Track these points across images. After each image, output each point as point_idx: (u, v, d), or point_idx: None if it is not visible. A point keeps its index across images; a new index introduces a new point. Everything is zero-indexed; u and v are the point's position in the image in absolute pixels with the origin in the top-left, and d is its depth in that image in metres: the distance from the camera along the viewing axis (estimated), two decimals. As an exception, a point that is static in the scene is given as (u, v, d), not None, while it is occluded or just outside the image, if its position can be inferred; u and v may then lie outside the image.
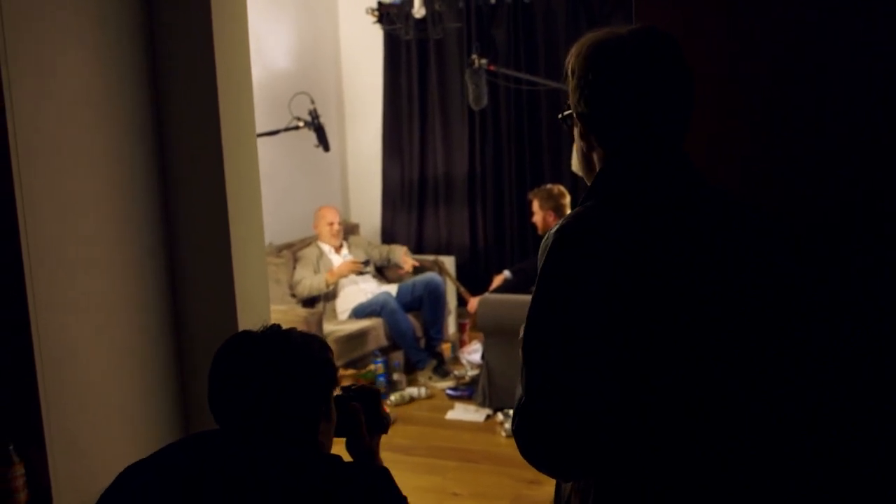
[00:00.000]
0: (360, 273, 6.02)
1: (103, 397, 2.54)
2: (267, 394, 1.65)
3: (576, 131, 1.54)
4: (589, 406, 1.33)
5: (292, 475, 1.58)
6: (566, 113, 1.55)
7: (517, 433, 1.40)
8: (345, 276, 5.94)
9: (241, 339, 1.74)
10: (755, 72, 1.85)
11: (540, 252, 1.41)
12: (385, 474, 1.76)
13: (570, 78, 1.49)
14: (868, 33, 1.77)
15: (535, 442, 1.38)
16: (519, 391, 1.42)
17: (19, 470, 2.29)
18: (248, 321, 2.68)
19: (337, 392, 1.83)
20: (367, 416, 1.83)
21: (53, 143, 2.36)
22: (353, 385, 1.90)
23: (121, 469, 1.68)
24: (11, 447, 2.29)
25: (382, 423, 1.87)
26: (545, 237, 1.41)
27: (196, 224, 2.70)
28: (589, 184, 1.51)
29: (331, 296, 5.96)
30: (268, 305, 2.82)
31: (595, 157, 1.51)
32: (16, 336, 2.30)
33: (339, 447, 1.79)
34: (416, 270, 6.42)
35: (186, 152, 2.68)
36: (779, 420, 1.47)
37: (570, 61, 1.49)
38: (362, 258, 6.15)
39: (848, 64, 1.78)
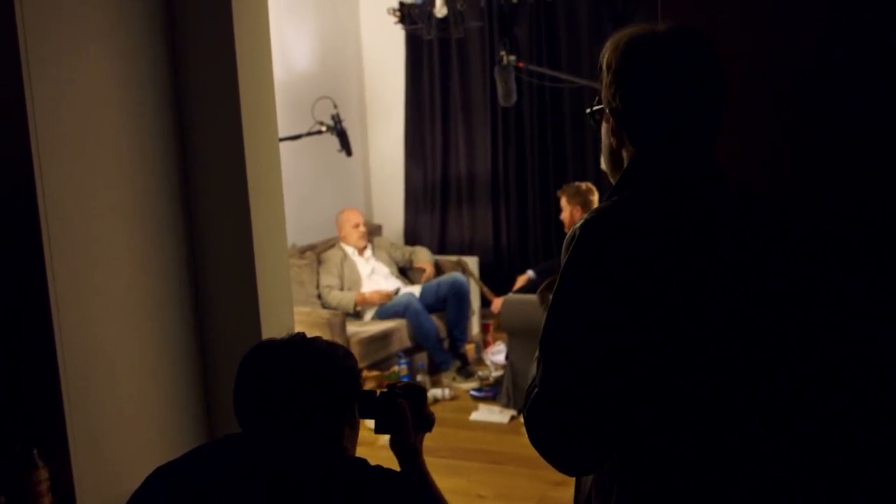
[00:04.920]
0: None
1: (127, 400, 2.53)
2: (293, 401, 1.67)
3: (605, 127, 1.52)
4: (607, 400, 1.33)
5: (321, 480, 1.58)
6: (596, 108, 1.54)
7: (528, 421, 1.40)
8: (375, 304, 5.92)
9: (266, 347, 1.76)
10: (777, 70, 1.84)
11: (564, 246, 1.40)
12: (414, 476, 1.75)
13: (605, 72, 1.47)
14: (885, 28, 1.76)
15: (546, 433, 1.37)
16: (532, 372, 1.42)
17: (43, 474, 2.29)
18: (270, 322, 2.67)
19: (382, 390, 1.85)
20: (411, 414, 1.83)
21: (75, 142, 2.36)
22: (398, 382, 1.90)
23: (144, 471, 1.69)
24: (35, 451, 2.29)
25: (427, 421, 1.86)
26: (570, 231, 1.40)
27: (218, 224, 2.69)
28: (614, 182, 1.50)
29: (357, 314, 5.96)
30: (290, 306, 2.81)
31: (624, 154, 1.49)
32: (39, 340, 2.30)
33: (363, 448, 1.78)
34: (439, 271, 6.42)
35: (208, 153, 2.68)
36: (796, 418, 1.46)
37: (606, 55, 1.47)
38: (393, 282, 6.13)
39: (873, 66, 1.77)
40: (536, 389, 1.38)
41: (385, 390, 1.86)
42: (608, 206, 1.41)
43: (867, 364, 1.73)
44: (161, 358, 2.65)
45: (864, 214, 1.79)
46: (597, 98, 1.53)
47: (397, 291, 6.03)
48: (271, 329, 2.64)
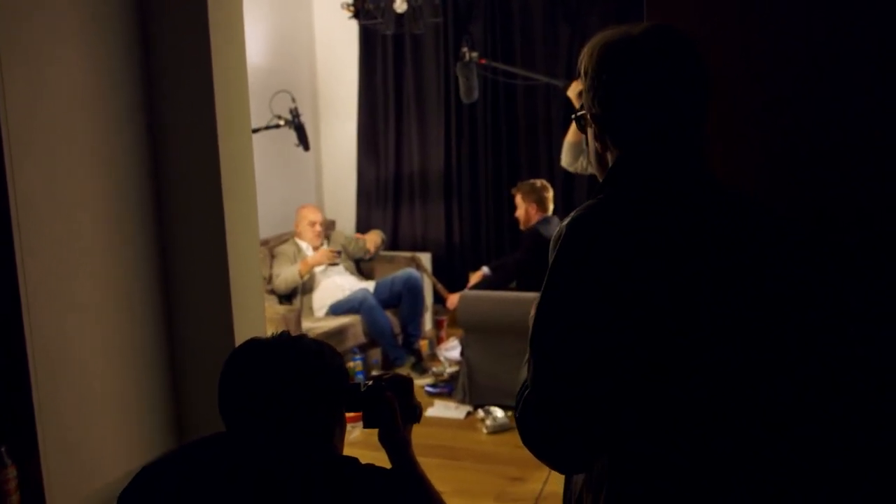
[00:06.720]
0: (334, 264, 5.96)
1: (97, 398, 2.50)
2: (278, 399, 1.65)
3: (589, 132, 1.54)
4: (595, 403, 1.34)
5: (305, 477, 1.57)
6: (580, 113, 1.55)
7: (518, 422, 1.41)
8: (320, 263, 5.89)
9: (252, 345, 1.73)
10: (774, 74, 1.85)
11: (551, 245, 1.40)
12: (405, 472, 1.74)
13: (584, 79, 1.48)
14: (883, 33, 1.78)
15: (533, 434, 1.38)
16: (522, 375, 1.43)
17: (12, 472, 2.26)
18: (243, 321, 2.66)
19: (366, 383, 1.79)
20: (399, 406, 1.76)
21: (47, 141, 2.33)
22: (384, 374, 1.84)
23: (115, 469, 1.67)
24: (4, 449, 2.26)
25: (415, 413, 1.80)
26: (557, 230, 1.41)
27: (191, 223, 2.67)
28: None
29: (308, 288, 5.91)
30: (262, 305, 2.79)
31: (609, 157, 1.50)
32: (9, 337, 2.26)
33: (351, 448, 1.79)
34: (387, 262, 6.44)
35: (181, 150, 2.65)
36: (796, 422, 1.48)
37: (583, 61, 1.48)
38: (348, 277, 6.11)
39: (870, 69, 1.79)
40: (527, 391, 1.39)
41: (370, 383, 1.79)
42: (594, 203, 1.42)
43: (866, 367, 1.76)
44: (132, 356, 2.62)
45: (861, 218, 1.80)
46: (580, 103, 1.54)
47: (339, 253, 5.99)
48: (243, 328, 2.63)
